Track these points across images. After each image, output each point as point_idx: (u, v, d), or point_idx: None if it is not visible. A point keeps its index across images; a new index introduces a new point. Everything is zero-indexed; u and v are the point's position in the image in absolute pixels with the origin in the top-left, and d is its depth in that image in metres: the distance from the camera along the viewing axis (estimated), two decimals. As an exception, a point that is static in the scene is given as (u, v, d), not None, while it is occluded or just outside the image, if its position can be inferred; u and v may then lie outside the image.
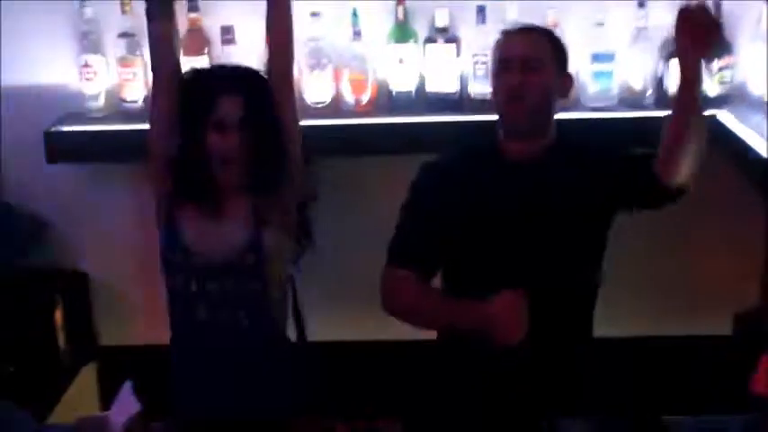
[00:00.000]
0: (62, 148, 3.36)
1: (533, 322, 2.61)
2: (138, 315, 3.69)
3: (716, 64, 3.33)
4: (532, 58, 2.71)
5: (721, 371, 2.85)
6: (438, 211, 2.79)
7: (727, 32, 3.34)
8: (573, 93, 2.94)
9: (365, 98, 3.41)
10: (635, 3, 3.35)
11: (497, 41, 2.82)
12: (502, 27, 2.95)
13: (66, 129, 3.37)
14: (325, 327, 3.55)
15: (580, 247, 2.76)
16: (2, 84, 3.47)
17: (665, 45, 3.33)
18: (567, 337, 2.76)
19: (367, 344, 3.67)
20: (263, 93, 2.52)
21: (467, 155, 2.87)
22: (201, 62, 3.34)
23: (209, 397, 2.60)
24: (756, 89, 3.23)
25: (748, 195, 3.12)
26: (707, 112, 3.19)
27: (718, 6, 3.28)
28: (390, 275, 2.74)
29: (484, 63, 3.36)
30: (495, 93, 2.79)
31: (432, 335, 2.84)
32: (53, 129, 3.37)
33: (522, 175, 2.75)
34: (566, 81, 2.81)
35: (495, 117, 3.26)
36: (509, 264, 2.72)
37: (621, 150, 2.80)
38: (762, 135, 2.94)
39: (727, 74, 3.34)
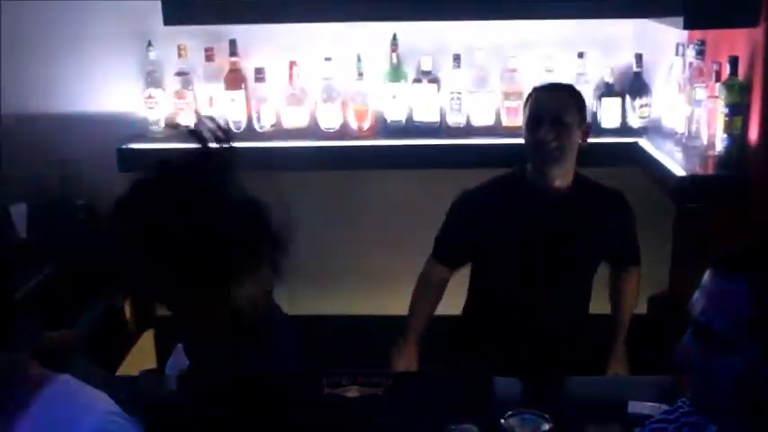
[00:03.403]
0: (130, 161, 3.25)
1: (539, 320, 2.67)
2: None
3: (637, 102, 3.27)
4: (560, 116, 2.59)
5: (637, 342, 2.83)
6: (471, 227, 2.74)
7: (646, 77, 3.29)
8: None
9: (366, 125, 3.32)
10: (576, 54, 3.28)
11: (530, 97, 2.69)
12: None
13: (133, 146, 3.29)
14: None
15: (581, 269, 2.74)
16: (85, 109, 3.40)
17: (598, 87, 3.28)
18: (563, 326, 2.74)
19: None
20: None
21: (500, 185, 2.77)
22: (239, 95, 3.28)
23: None
24: (668, 122, 3.16)
25: (661, 203, 3.10)
26: (631, 140, 3.23)
27: (639, 57, 3.26)
28: (427, 267, 2.79)
29: (459, 99, 3.28)
30: (527, 142, 2.65)
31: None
32: (124, 146, 3.28)
33: (544, 207, 2.67)
34: (585, 129, 2.67)
35: (469, 141, 3.30)
36: (523, 280, 2.68)
37: (626, 213, 2.73)
38: (672, 157, 2.91)
39: (645, 110, 3.29)
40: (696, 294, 1.37)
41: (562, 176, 2.64)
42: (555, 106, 2.61)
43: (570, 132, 2.59)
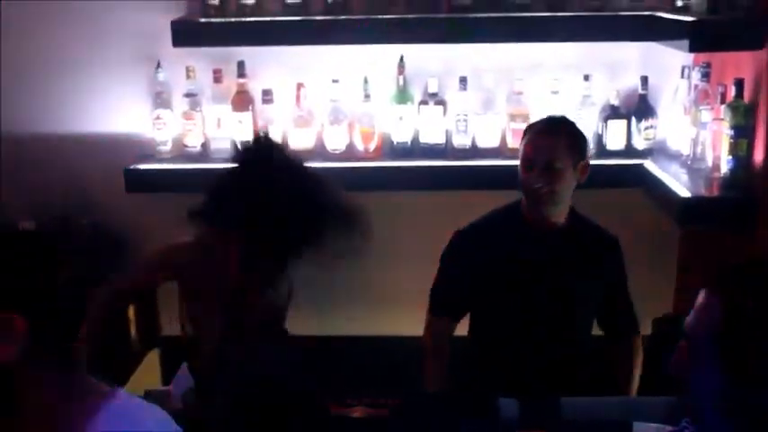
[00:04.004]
0: (138, 182, 3.27)
1: (542, 349, 2.64)
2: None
3: (643, 124, 3.27)
4: (552, 162, 2.54)
5: (642, 363, 2.82)
6: (467, 270, 2.70)
7: (652, 99, 3.30)
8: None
9: (372, 146, 3.33)
10: (582, 76, 3.29)
11: (525, 137, 2.65)
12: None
13: (141, 167, 3.30)
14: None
15: (581, 308, 2.69)
16: (94, 130, 3.41)
17: (604, 109, 3.29)
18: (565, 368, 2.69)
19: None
20: None
21: (495, 224, 2.74)
22: (247, 117, 3.28)
23: None
24: (674, 144, 3.16)
25: (666, 225, 3.09)
26: (636, 161, 3.22)
27: (645, 80, 3.27)
28: (429, 327, 2.72)
29: (465, 121, 3.29)
30: (522, 182, 2.61)
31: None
32: (132, 166, 3.29)
33: (539, 244, 2.66)
34: (584, 168, 2.61)
35: (474, 163, 3.28)
36: (523, 316, 2.66)
37: (618, 257, 2.71)
38: (677, 179, 2.91)
39: (651, 132, 3.29)
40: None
41: (555, 216, 2.63)
42: (547, 152, 2.56)
43: (562, 177, 2.56)
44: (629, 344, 2.75)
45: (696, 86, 2.96)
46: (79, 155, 3.41)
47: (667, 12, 2.99)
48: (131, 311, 3.38)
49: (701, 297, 1.44)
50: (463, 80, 3.28)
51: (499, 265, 2.65)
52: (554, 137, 2.58)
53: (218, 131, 3.33)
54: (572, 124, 2.67)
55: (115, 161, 3.29)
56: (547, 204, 2.59)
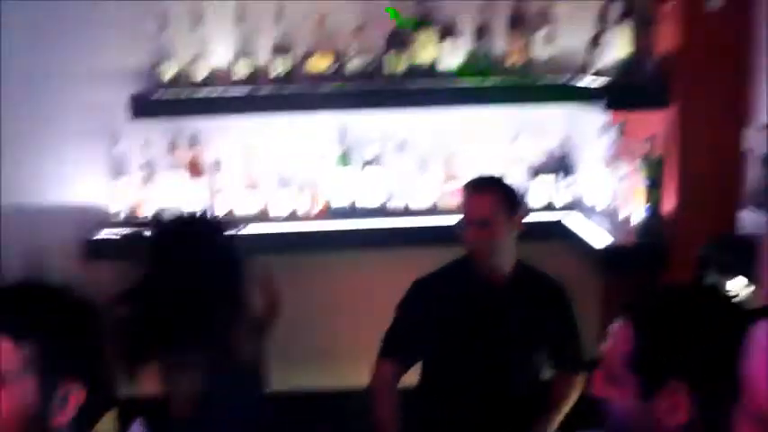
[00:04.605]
0: (95, 250, 3.30)
1: (487, 411, 2.69)
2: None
3: (566, 180, 3.45)
4: (486, 219, 2.64)
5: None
6: (421, 317, 2.76)
7: (574, 156, 3.48)
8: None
9: (316, 209, 3.46)
10: (510, 137, 3.46)
11: (462, 194, 2.75)
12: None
13: (98, 236, 3.35)
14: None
15: (529, 354, 2.77)
16: (53, 201, 3.44)
17: (531, 167, 3.47)
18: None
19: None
20: None
21: (449, 274, 2.80)
22: (200, 184, 3.39)
23: None
24: (594, 197, 3.37)
25: (586, 273, 3.19)
26: (556, 217, 3.37)
27: (567, 139, 3.46)
28: (377, 371, 2.73)
29: (402, 182, 3.45)
30: (463, 238, 2.71)
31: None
32: (89, 235, 3.34)
33: (488, 294, 2.73)
34: (519, 219, 2.70)
35: (411, 222, 3.39)
36: (472, 363, 2.71)
37: (565, 304, 2.77)
38: (598, 230, 3.10)
39: (573, 187, 3.47)
40: None
41: (499, 267, 2.71)
42: (481, 210, 2.66)
43: (497, 231, 2.66)
44: (570, 380, 2.80)
45: (614, 143, 3.17)
46: (39, 225, 3.39)
47: (585, 77, 3.23)
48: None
49: (615, 325, 1.52)
50: (400, 145, 3.47)
51: (450, 313, 2.72)
52: (486, 195, 2.69)
53: (172, 199, 3.39)
54: (502, 181, 2.76)
55: (74, 231, 3.36)
56: (486, 258, 2.69)
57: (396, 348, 2.75)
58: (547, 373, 2.84)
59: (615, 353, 1.50)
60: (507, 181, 2.78)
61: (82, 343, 1.47)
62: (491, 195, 2.68)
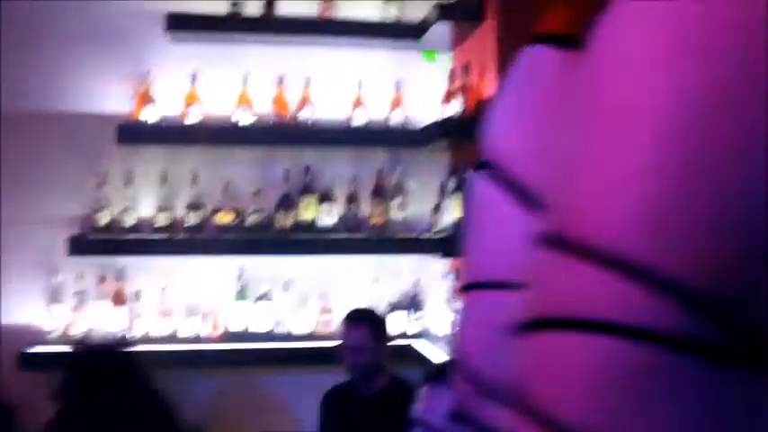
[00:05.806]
0: (30, 363, 3.61)
1: None
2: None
3: (416, 314, 3.90)
4: (360, 347, 2.99)
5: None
6: (323, 426, 3.13)
7: (422, 295, 3.91)
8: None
9: (217, 333, 3.81)
10: (372, 279, 3.90)
11: (341, 325, 3.09)
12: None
13: (34, 350, 3.65)
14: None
15: None
16: None
17: (388, 303, 3.89)
18: None
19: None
20: None
21: (341, 388, 3.14)
22: (122, 311, 3.79)
23: None
24: (437, 329, 3.76)
25: None
26: (411, 341, 3.82)
27: (417, 281, 3.93)
28: None
29: (286, 313, 3.81)
30: (342, 360, 3.02)
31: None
32: (26, 350, 3.63)
33: (366, 406, 3.04)
34: (385, 345, 3.04)
35: (293, 345, 3.85)
36: None
37: None
38: (441, 354, 3.37)
39: (421, 320, 3.89)
40: None
41: (373, 384, 3.08)
42: (356, 340, 3.02)
43: (370, 355, 3.01)
44: None
45: (452, 284, 3.69)
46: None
47: (429, 234, 3.87)
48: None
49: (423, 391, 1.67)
50: (286, 283, 3.87)
51: (337, 423, 3.10)
52: (362, 326, 3.09)
53: (98, 323, 3.79)
54: (373, 313, 3.18)
55: (12, 346, 3.63)
56: (364, 378, 3.06)
57: None
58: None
59: (425, 414, 1.60)
60: (377, 313, 3.22)
61: None
62: (363, 325, 3.09)
